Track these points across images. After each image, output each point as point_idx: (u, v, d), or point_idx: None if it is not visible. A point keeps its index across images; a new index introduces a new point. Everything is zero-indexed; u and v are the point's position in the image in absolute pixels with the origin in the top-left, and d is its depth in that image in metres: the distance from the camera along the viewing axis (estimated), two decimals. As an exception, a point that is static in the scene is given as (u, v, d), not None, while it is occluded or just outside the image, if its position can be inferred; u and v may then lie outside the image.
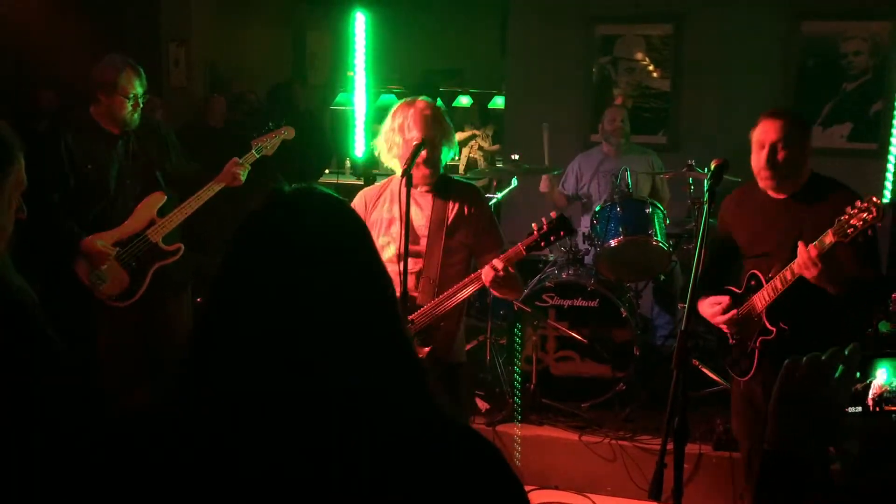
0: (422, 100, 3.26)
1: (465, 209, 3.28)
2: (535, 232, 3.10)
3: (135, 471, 1.13)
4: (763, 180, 3.23)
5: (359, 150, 7.17)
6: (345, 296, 1.15)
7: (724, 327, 3.39)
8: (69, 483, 1.51)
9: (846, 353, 1.31)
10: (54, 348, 1.81)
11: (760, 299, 3.22)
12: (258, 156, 4.10)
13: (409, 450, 1.11)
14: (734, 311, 3.30)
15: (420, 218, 3.28)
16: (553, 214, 3.12)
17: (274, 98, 7.46)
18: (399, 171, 3.19)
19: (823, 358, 1.29)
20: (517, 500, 1.15)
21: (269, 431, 1.09)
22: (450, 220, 3.26)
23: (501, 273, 3.06)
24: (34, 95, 5.60)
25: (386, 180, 3.43)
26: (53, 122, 4.77)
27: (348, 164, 8.57)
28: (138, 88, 3.86)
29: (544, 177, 5.82)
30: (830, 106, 6.38)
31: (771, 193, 3.28)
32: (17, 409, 1.68)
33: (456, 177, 3.59)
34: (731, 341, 3.41)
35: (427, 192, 3.30)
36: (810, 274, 2.98)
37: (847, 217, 2.88)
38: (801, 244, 2.99)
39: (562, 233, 3.11)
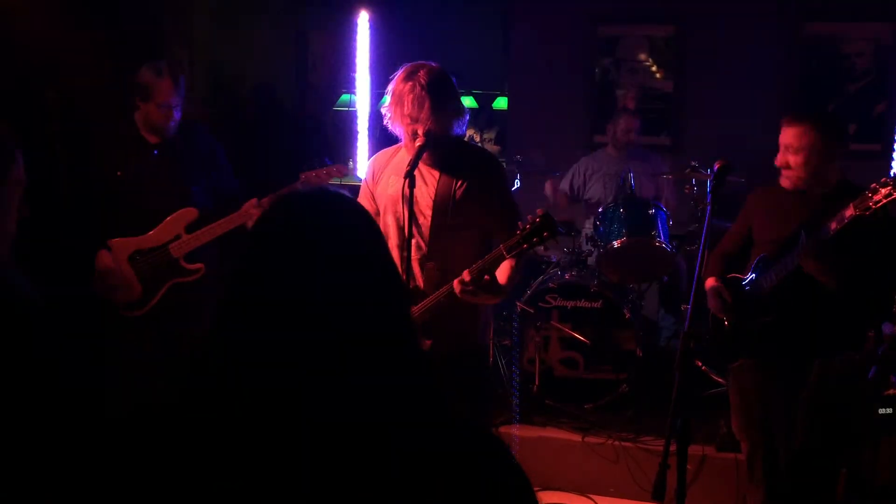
0: (424, 72, 2.88)
1: (475, 184, 2.99)
2: (518, 232, 2.78)
3: (139, 469, 1.13)
4: (783, 179, 3.32)
5: (362, 151, 7.17)
6: (359, 296, 1.14)
7: (720, 315, 3.45)
8: (69, 484, 1.50)
9: (880, 353, 1.30)
10: (54, 351, 1.80)
11: (767, 280, 3.26)
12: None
13: (416, 452, 1.10)
14: (732, 315, 3.34)
15: (424, 195, 2.99)
16: (539, 212, 2.78)
17: (259, 99, 7.46)
18: (402, 139, 2.98)
19: (857, 358, 1.29)
20: (526, 499, 1.15)
21: (278, 432, 1.09)
22: (456, 197, 2.98)
23: (470, 287, 2.79)
24: (43, 95, 5.60)
25: (393, 148, 3.17)
26: (68, 124, 4.73)
27: (351, 165, 8.58)
28: (175, 98, 3.75)
29: (548, 182, 5.82)
30: (833, 107, 6.37)
31: (797, 188, 3.32)
32: (17, 413, 1.67)
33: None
34: (725, 325, 3.44)
35: (433, 165, 3.01)
36: (808, 264, 3.05)
37: (870, 193, 2.92)
38: (804, 233, 3.02)
39: (545, 233, 2.76)
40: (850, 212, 2.95)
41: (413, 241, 2.97)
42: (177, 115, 3.80)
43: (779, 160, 3.30)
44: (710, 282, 3.47)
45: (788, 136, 3.25)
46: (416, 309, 2.92)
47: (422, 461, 1.09)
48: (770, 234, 3.38)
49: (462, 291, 2.81)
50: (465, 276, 2.78)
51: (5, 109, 4.20)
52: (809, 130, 3.21)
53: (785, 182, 3.32)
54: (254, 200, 3.76)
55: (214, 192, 3.95)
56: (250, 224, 3.70)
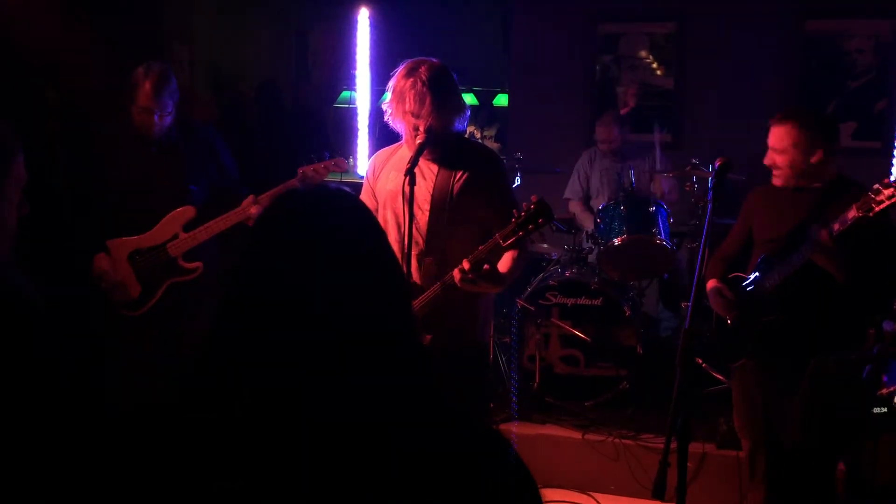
0: (425, 68, 2.89)
1: (474, 178, 2.98)
2: (513, 220, 2.77)
3: (140, 469, 1.13)
4: (773, 178, 3.37)
5: (362, 147, 7.17)
6: (359, 296, 1.14)
7: (723, 313, 3.47)
8: (69, 484, 1.50)
9: (875, 352, 1.30)
10: (54, 351, 1.79)
11: (770, 279, 3.26)
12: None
13: (416, 452, 1.10)
14: (735, 312, 3.35)
15: (423, 190, 2.97)
16: (533, 198, 2.77)
17: (261, 96, 7.48)
18: (403, 135, 2.99)
19: (853, 357, 1.29)
20: (529, 497, 1.14)
21: (278, 432, 1.08)
22: (455, 191, 2.96)
23: (470, 275, 2.77)
24: (42, 94, 5.60)
25: (394, 145, 3.17)
26: (68, 122, 4.72)
27: (351, 161, 8.58)
28: (155, 104, 3.70)
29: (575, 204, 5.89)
30: (834, 104, 6.36)
31: (789, 185, 3.35)
32: (16, 413, 1.67)
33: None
34: (728, 324, 3.45)
35: (432, 159, 3.00)
36: (820, 259, 3.03)
37: (873, 194, 2.91)
38: (814, 227, 3.04)
39: (540, 220, 2.75)
40: (853, 213, 2.95)
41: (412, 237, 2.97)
42: (162, 120, 3.76)
43: (766, 159, 3.35)
44: (711, 283, 3.47)
45: (772, 137, 3.31)
46: (415, 303, 2.91)
47: (422, 461, 1.09)
48: (770, 234, 3.39)
49: (462, 280, 2.80)
50: (465, 264, 2.78)
51: (5, 108, 4.20)
52: (791, 130, 3.25)
53: (776, 181, 3.36)
54: (251, 198, 3.75)
55: (215, 189, 3.94)
56: (249, 222, 3.71)
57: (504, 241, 2.78)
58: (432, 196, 2.99)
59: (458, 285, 2.82)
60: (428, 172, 3.01)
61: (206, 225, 3.77)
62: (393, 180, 3.03)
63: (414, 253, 2.99)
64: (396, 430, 1.09)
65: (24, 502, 1.59)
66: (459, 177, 2.98)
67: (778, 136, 3.29)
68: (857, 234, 3.03)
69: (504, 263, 2.94)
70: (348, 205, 1.22)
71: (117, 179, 3.79)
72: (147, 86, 3.69)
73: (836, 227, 3.01)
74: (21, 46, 4.75)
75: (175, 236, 3.79)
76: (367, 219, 1.24)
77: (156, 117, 3.73)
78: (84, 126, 4.05)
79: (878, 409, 1.61)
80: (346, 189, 1.24)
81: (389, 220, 3.03)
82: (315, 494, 1.07)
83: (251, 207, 3.72)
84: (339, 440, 1.08)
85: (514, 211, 2.79)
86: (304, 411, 1.08)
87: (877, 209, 2.90)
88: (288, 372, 1.10)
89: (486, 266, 2.79)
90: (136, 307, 3.80)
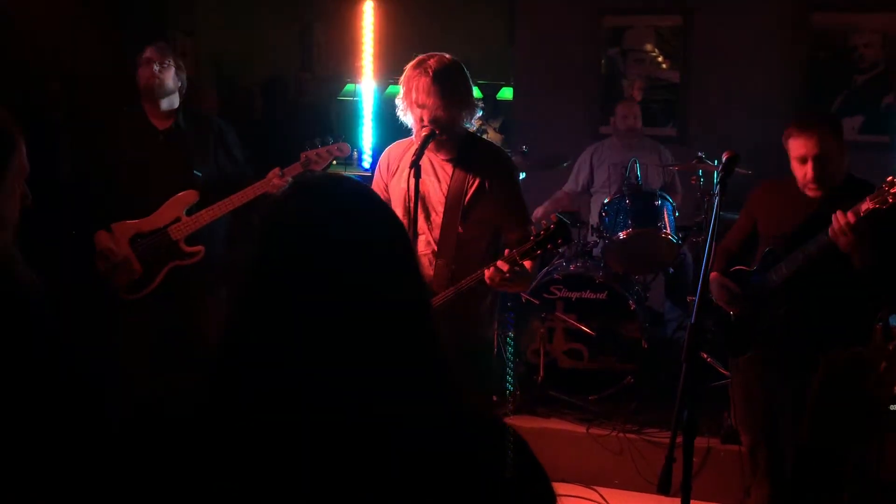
0: (434, 60, 2.90)
1: (487, 181, 2.99)
2: (531, 238, 2.84)
3: (138, 469, 1.11)
4: (811, 191, 3.24)
5: (366, 141, 7.16)
6: (378, 284, 1.11)
7: (726, 306, 3.43)
8: (71, 480, 1.49)
9: (890, 347, 1.28)
10: (54, 344, 1.78)
11: (777, 274, 3.24)
12: (304, 169, 3.83)
13: (417, 452, 1.08)
14: (738, 309, 3.32)
15: (437, 191, 3.00)
16: (553, 217, 2.84)
17: (265, 89, 7.49)
18: (413, 130, 2.99)
19: (866, 353, 1.26)
20: (542, 492, 1.13)
21: (278, 431, 1.07)
22: (469, 194, 2.98)
23: (508, 275, 2.83)
24: (44, 85, 5.60)
25: (408, 140, 3.15)
26: (62, 111, 4.74)
27: (355, 154, 8.56)
28: (155, 55, 3.83)
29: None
30: (841, 98, 6.33)
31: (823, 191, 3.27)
32: (17, 407, 1.66)
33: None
34: (731, 316, 3.43)
35: (446, 160, 3.02)
36: (843, 241, 2.99)
37: (887, 186, 2.92)
38: (838, 212, 3.00)
39: (559, 240, 2.82)
40: (866, 205, 2.96)
41: (424, 238, 3.00)
42: (162, 74, 3.83)
43: (808, 175, 3.19)
44: (713, 275, 3.44)
45: (813, 144, 3.15)
46: (435, 300, 2.92)
47: (423, 461, 1.07)
48: (776, 229, 3.36)
49: (494, 278, 2.83)
50: (503, 266, 2.82)
51: (8, 99, 4.20)
52: (829, 133, 3.17)
53: (816, 194, 3.23)
54: (277, 170, 3.80)
55: (222, 175, 3.98)
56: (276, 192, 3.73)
57: (521, 258, 2.84)
58: (446, 198, 3.00)
59: (489, 284, 2.87)
60: (442, 174, 3.02)
61: (207, 209, 3.80)
62: (406, 179, 3.02)
63: (427, 253, 3.02)
64: (397, 430, 1.07)
65: (23, 502, 1.58)
66: (472, 180, 2.99)
67: (814, 143, 3.14)
68: (872, 224, 3.02)
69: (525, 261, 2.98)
70: (352, 198, 1.19)
71: (121, 170, 3.82)
72: (152, 47, 3.86)
73: (852, 218, 2.98)
74: (24, 38, 4.74)
75: (177, 219, 3.82)
76: (375, 212, 1.19)
77: (154, 68, 3.81)
78: (87, 117, 4.06)
79: (894, 405, 1.59)
80: (355, 180, 1.21)
81: (401, 217, 3.03)
82: (315, 494, 1.05)
83: (275, 179, 3.76)
84: (339, 440, 1.06)
85: (533, 229, 2.85)
86: (304, 410, 1.07)
87: (892, 201, 2.90)
88: (288, 371, 1.08)
89: (517, 268, 2.85)
90: (138, 289, 3.81)
